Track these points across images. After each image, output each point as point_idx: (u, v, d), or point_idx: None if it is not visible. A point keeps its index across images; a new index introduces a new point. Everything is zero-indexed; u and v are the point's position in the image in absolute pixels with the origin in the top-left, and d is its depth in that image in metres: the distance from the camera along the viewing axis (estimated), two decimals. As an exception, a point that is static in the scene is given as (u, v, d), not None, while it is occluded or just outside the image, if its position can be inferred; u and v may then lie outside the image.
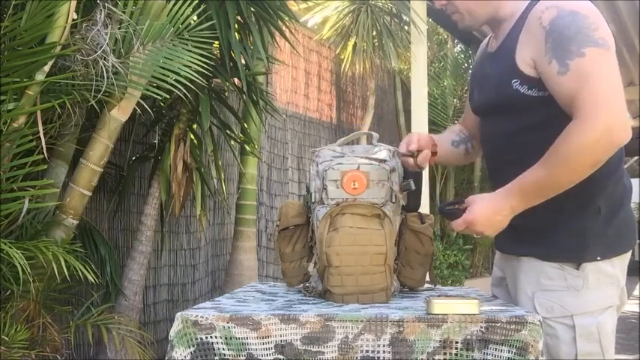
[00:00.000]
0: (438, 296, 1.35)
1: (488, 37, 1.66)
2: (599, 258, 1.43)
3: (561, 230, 1.44)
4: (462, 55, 7.89)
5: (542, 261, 1.46)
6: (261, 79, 3.92)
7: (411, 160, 1.62)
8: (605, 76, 1.32)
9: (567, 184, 1.35)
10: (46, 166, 2.48)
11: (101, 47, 2.42)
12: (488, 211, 1.40)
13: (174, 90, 2.60)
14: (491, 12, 1.52)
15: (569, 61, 1.33)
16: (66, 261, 2.26)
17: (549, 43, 1.36)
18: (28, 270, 2.11)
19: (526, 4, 1.46)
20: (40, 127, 2.30)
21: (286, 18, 3.47)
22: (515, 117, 1.46)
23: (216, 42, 3.11)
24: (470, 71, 1.76)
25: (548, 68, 1.36)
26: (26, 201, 2.33)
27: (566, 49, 1.33)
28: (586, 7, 1.37)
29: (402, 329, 1.26)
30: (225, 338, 1.28)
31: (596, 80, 1.31)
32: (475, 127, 1.74)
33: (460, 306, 1.28)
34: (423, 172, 1.69)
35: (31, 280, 2.20)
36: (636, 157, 14.38)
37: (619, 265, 1.46)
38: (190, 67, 2.64)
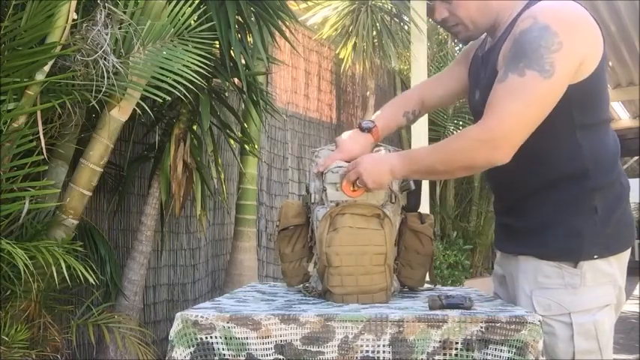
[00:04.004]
0: None
1: (484, 37, 1.66)
2: (596, 257, 1.43)
3: (558, 230, 1.45)
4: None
5: (539, 260, 1.47)
6: (261, 79, 3.92)
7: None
8: (526, 104, 1.35)
9: (437, 174, 1.59)
10: (46, 167, 2.49)
11: (101, 47, 2.42)
12: (373, 159, 1.53)
13: (174, 91, 2.61)
14: (493, 19, 1.52)
15: (510, 74, 1.36)
16: (66, 262, 2.26)
17: (510, 52, 1.39)
18: (32, 269, 2.11)
19: (524, 4, 1.46)
20: (40, 127, 2.30)
21: (286, 18, 3.47)
22: None
23: (217, 42, 3.11)
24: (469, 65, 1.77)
25: (498, 72, 1.40)
26: (26, 201, 2.33)
27: (515, 63, 1.36)
28: (563, 23, 1.36)
29: (402, 329, 1.26)
30: (225, 338, 1.28)
31: (515, 104, 1.35)
32: (441, 98, 1.80)
33: None
34: None
35: (32, 281, 2.20)
36: (636, 157, 14.38)
37: (617, 264, 1.46)
38: (190, 67, 2.64)
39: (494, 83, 1.39)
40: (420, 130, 5.35)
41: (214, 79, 3.35)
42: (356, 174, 1.51)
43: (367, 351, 1.26)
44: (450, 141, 1.51)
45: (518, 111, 1.35)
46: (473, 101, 1.64)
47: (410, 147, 6.04)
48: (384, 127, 1.70)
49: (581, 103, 1.41)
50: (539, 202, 1.46)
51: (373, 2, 6.15)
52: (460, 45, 8.11)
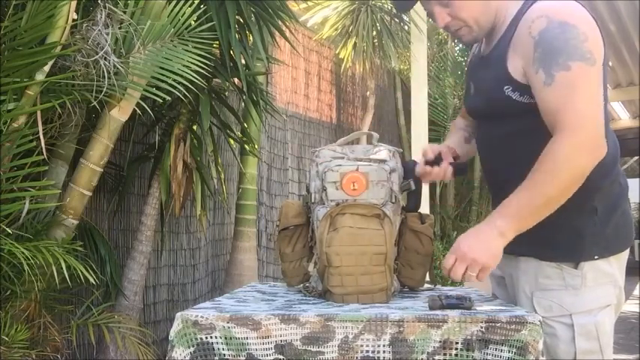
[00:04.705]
0: None
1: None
2: (596, 257, 1.43)
3: (559, 230, 1.45)
4: (462, 55, 7.89)
5: (540, 261, 1.47)
6: (261, 79, 3.92)
7: (435, 169, 1.64)
8: (587, 93, 1.34)
9: (556, 201, 1.35)
10: (46, 167, 2.49)
11: (102, 47, 2.42)
12: (473, 237, 1.39)
13: (174, 91, 2.61)
14: (493, 18, 1.51)
15: (555, 73, 1.35)
16: (66, 262, 2.26)
17: (537, 53, 1.37)
18: (35, 269, 2.11)
19: (519, 5, 1.46)
20: (40, 127, 2.30)
21: (286, 18, 3.47)
22: (508, 122, 1.47)
23: (217, 42, 3.12)
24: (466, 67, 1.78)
25: (535, 78, 1.38)
26: (27, 201, 2.33)
27: (553, 61, 1.35)
28: (576, 16, 1.37)
29: (402, 329, 1.26)
30: (225, 338, 1.28)
31: (579, 96, 1.33)
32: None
33: None
34: None
35: (33, 280, 2.20)
36: (636, 157, 14.39)
37: (616, 264, 1.46)
38: (190, 67, 2.64)
39: (540, 87, 1.37)
40: (420, 130, 5.36)
41: (214, 79, 3.35)
42: (466, 262, 1.36)
43: (367, 351, 1.26)
44: (543, 168, 1.34)
45: (586, 101, 1.34)
46: (468, 98, 1.65)
47: (410, 147, 6.04)
48: (452, 143, 1.74)
49: None
50: None
51: (373, 2, 6.15)
52: (460, 45, 8.12)
